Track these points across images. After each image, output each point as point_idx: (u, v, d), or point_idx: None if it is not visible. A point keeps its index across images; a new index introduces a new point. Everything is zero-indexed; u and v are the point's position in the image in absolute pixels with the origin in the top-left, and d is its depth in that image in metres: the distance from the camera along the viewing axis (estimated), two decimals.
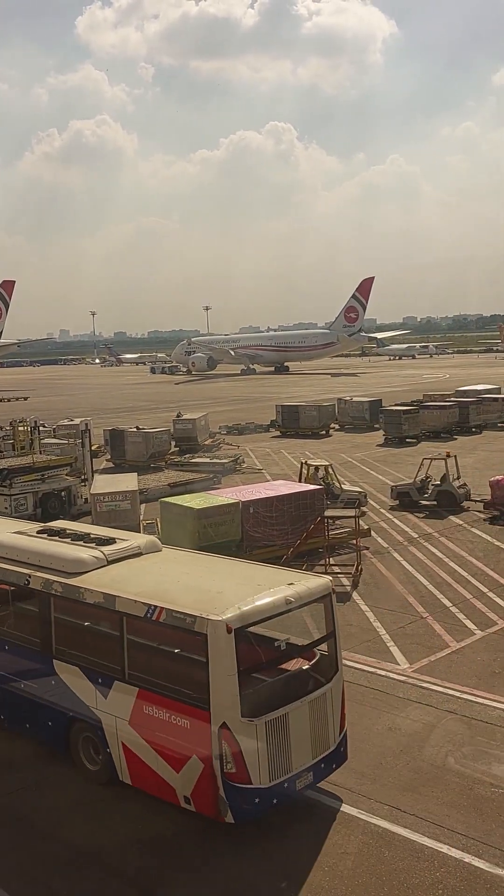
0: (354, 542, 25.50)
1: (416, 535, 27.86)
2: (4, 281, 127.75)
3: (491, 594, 21.53)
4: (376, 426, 54.60)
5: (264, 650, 12.45)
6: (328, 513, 25.68)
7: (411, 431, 50.01)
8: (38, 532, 15.84)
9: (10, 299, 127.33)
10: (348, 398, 61.82)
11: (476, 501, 31.20)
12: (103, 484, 30.78)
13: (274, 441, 54.00)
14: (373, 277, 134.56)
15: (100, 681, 12.87)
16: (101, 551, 14.08)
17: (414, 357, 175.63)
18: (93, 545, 14.40)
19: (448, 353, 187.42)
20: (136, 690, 12.29)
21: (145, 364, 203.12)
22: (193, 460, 43.52)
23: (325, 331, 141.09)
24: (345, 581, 23.06)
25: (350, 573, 23.48)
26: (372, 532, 27.64)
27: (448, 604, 20.91)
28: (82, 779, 13.23)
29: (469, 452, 43.92)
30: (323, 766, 12.25)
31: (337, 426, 58.72)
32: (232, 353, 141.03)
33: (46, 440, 40.26)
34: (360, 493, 31.93)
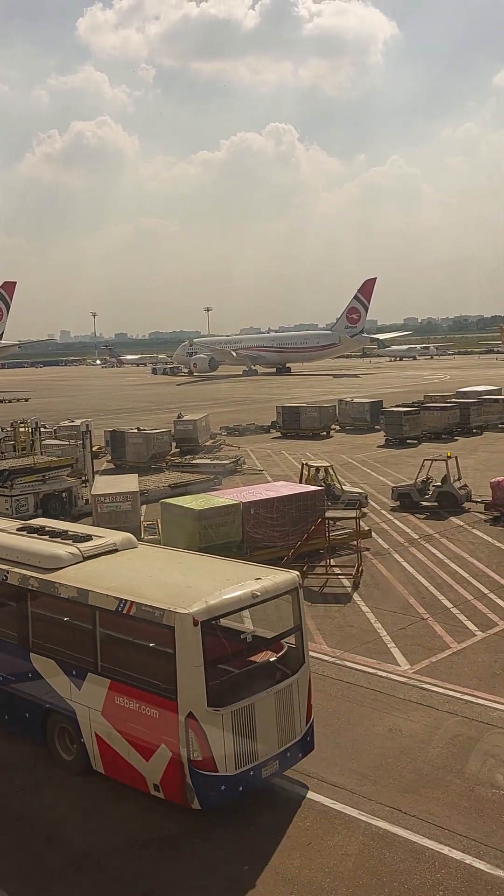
0: (355, 543, 25.48)
1: (416, 537, 27.84)
2: (5, 282, 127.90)
3: (492, 595, 21.51)
4: (377, 427, 54.60)
5: (231, 642, 12.80)
6: (329, 514, 25.66)
7: (412, 432, 50.01)
8: (18, 530, 16.21)
9: (10, 300, 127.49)
10: (349, 399, 61.82)
11: (477, 502, 31.19)
12: (104, 485, 30.76)
13: (275, 442, 54.00)
14: (375, 278, 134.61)
15: (74, 673, 13.23)
16: (78, 548, 14.43)
17: (415, 358, 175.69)
18: (69, 542, 14.75)
19: (449, 355, 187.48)
20: (107, 682, 12.65)
21: (146, 365, 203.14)
22: (194, 461, 43.53)
23: (326, 332, 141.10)
24: (345, 582, 23.05)
25: (351, 574, 23.46)
26: (373, 533, 27.62)
27: (449, 605, 20.89)
28: (69, 774, 13.23)
29: (470, 453, 43.89)
30: (289, 754, 12.59)
31: (337, 427, 58.74)
32: (233, 354, 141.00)
33: (47, 441, 40.26)
34: (360, 494, 31.93)
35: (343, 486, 31.94)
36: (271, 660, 12.85)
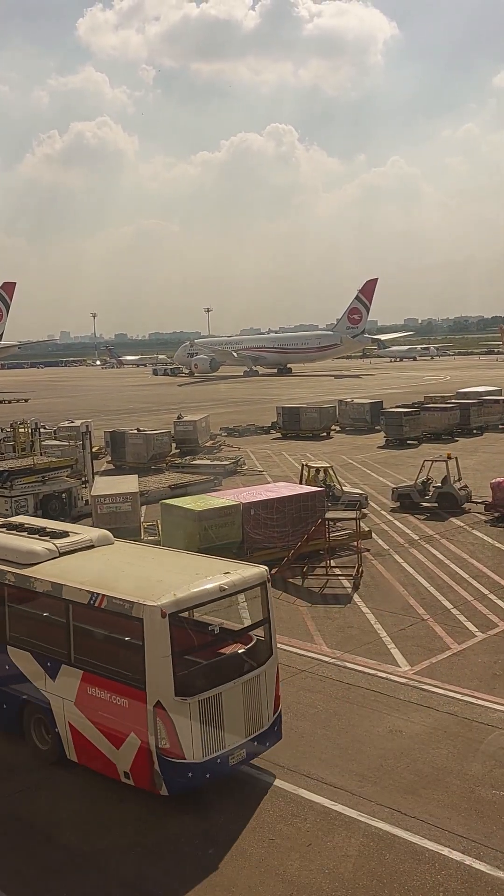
0: (355, 544, 25.49)
1: (416, 537, 27.83)
2: (5, 283, 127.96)
3: (492, 596, 21.50)
4: (377, 428, 54.63)
5: (199, 634, 13.37)
6: (329, 515, 25.66)
7: (412, 433, 50.01)
8: None
9: (10, 301, 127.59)
10: (349, 400, 61.84)
11: (477, 503, 31.19)
12: (104, 486, 30.75)
13: (275, 443, 54.00)
14: (376, 279, 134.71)
15: (48, 665, 13.62)
16: (54, 544, 14.86)
17: (415, 359, 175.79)
18: (47, 538, 15.16)
19: (449, 355, 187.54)
20: (80, 673, 13.04)
21: (146, 366, 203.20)
22: (194, 462, 43.50)
23: (328, 332, 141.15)
24: (346, 583, 23.04)
25: (351, 575, 23.46)
26: (373, 534, 27.62)
27: (449, 606, 20.88)
28: (72, 775, 13.25)
29: (470, 454, 43.90)
30: (256, 743, 12.94)
31: (338, 428, 58.75)
32: (235, 354, 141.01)
33: (47, 442, 40.21)
34: (360, 494, 31.94)
35: (343, 487, 31.96)
36: (239, 651, 13.21)
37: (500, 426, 55.29)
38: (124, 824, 12.11)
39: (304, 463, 32.43)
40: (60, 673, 13.35)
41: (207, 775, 12.26)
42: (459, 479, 32.24)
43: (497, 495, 29.69)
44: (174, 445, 47.75)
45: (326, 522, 25.09)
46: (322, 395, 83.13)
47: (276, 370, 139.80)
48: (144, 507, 31.08)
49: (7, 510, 30.10)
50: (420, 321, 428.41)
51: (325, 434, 56.34)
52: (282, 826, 11.86)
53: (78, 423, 44.54)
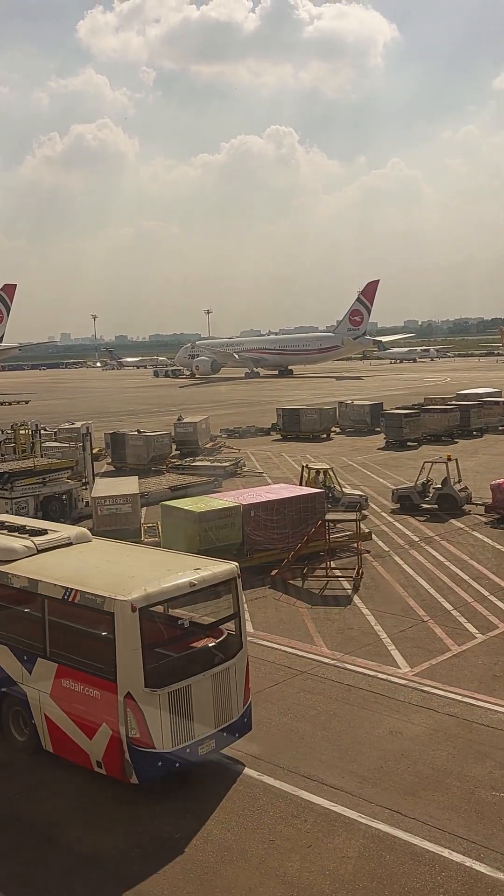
0: (355, 545, 25.49)
1: (417, 539, 27.83)
2: (5, 284, 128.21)
3: (492, 598, 21.50)
4: (377, 429, 54.65)
5: (169, 628, 14.04)
6: (329, 516, 25.67)
7: (412, 435, 50.02)
8: None
9: (11, 303, 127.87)
10: (349, 402, 61.90)
11: (477, 505, 31.19)
12: (104, 487, 30.77)
13: (275, 444, 54.01)
14: (377, 280, 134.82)
15: (25, 658, 14.01)
16: (33, 541, 15.29)
17: (415, 360, 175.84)
18: (26, 536, 15.61)
19: (449, 357, 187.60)
20: (55, 666, 13.44)
21: (146, 367, 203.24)
22: (194, 464, 43.51)
23: (329, 334, 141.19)
24: (346, 584, 23.05)
25: (351, 577, 23.46)
26: (373, 535, 27.63)
27: (449, 607, 20.88)
28: (71, 775, 13.26)
29: (470, 456, 43.92)
30: (226, 734, 13.32)
31: (338, 429, 58.76)
32: (236, 356, 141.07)
33: (47, 443, 40.26)
34: (361, 496, 31.94)
35: (343, 489, 31.97)
36: (210, 645, 13.63)
37: (501, 428, 55.29)
38: (124, 825, 12.10)
39: (305, 464, 32.45)
40: (37, 666, 13.77)
41: (177, 764, 12.60)
42: (459, 481, 32.24)
43: (497, 497, 29.68)
44: (174, 447, 47.80)
45: (326, 524, 25.09)
46: (322, 396, 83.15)
47: (277, 372, 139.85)
48: (145, 508, 31.09)
49: (7, 511, 30.10)
50: (420, 323, 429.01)
51: (325, 436, 56.35)
52: (282, 827, 11.86)
53: (78, 424, 44.59)
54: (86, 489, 34.13)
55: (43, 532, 15.84)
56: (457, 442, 50.59)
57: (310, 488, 28.45)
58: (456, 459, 32.72)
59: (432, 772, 13.20)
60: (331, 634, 19.30)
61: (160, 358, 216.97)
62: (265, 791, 12.79)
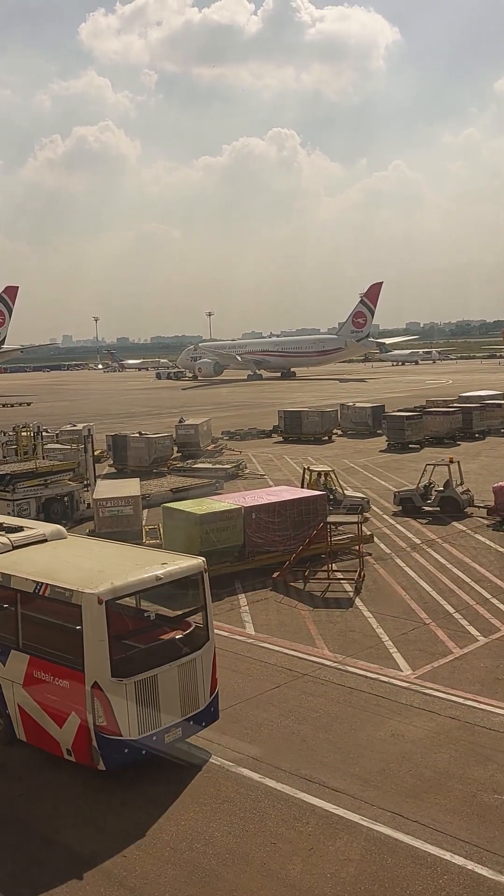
0: (357, 548, 25.46)
1: (419, 541, 27.81)
2: (7, 287, 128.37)
3: (494, 600, 21.48)
4: (379, 432, 54.61)
5: (136, 620, 14.51)
6: (331, 518, 25.65)
7: (414, 437, 49.99)
8: None
9: (13, 305, 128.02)
10: (351, 404, 61.86)
11: (479, 507, 31.14)
12: (106, 489, 30.78)
13: (276, 446, 54.00)
14: (381, 283, 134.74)
15: (0, 651, 14.37)
16: (8, 538, 15.72)
17: (416, 363, 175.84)
18: (2, 533, 16.05)
19: (451, 359, 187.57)
20: (27, 658, 13.85)
21: (148, 370, 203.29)
22: (196, 466, 43.51)
23: (332, 336, 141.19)
24: (347, 587, 23.02)
25: (353, 579, 23.43)
26: (375, 538, 27.62)
27: (451, 610, 20.86)
28: (72, 779, 13.25)
29: (472, 458, 43.89)
30: (192, 723, 13.76)
31: (339, 432, 58.73)
32: (238, 358, 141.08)
33: (49, 445, 40.25)
34: (362, 498, 31.92)
35: (345, 491, 31.95)
36: (177, 637, 14.02)
37: (503, 430, 55.26)
38: (124, 828, 12.08)
39: (306, 467, 32.45)
40: (10, 658, 14.15)
41: (143, 752, 13.03)
42: (462, 483, 32.21)
43: (499, 499, 29.68)
44: (176, 449, 47.80)
45: (328, 526, 25.07)
46: (324, 398, 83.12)
47: (279, 374, 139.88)
48: (146, 510, 31.09)
49: (9, 513, 30.09)
50: (422, 325, 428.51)
51: (326, 438, 56.30)
52: (283, 830, 11.84)
53: (80, 426, 44.58)
54: (87, 491, 34.12)
55: (19, 529, 16.36)
56: (459, 444, 50.54)
57: (311, 490, 28.44)
58: (458, 462, 32.68)
59: (434, 775, 13.18)
60: (332, 637, 19.28)
61: (162, 360, 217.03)
62: (267, 794, 12.77)
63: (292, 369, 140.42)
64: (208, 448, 49.89)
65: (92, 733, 12.75)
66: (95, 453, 39.47)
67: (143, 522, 29.01)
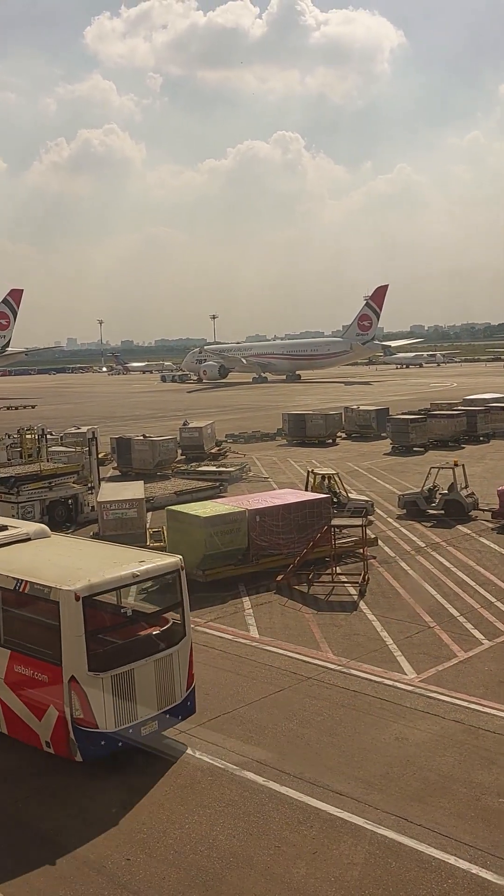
0: (361, 551, 25.43)
1: (423, 545, 27.78)
2: (12, 290, 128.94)
3: (499, 604, 21.43)
4: (383, 435, 54.58)
5: (113, 616, 14.87)
6: (335, 522, 25.63)
7: (418, 440, 49.90)
8: None
9: (17, 308, 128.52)
10: (355, 407, 61.80)
11: (484, 510, 31.08)
12: (110, 492, 30.79)
13: (280, 449, 53.97)
14: (387, 286, 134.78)
15: None
16: None
17: (421, 366, 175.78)
18: None
19: (456, 362, 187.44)
20: (8, 653, 14.20)
21: (152, 372, 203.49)
22: (200, 469, 43.53)
23: (337, 339, 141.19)
24: (352, 590, 23.00)
25: (357, 582, 23.40)
26: (379, 541, 27.59)
27: (455, 613, 20.82)
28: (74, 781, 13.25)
29: (477, 461, 43.84)
30: (168, 716, 14.11)
31: (343, 435, 58.69)
32: (244, 361, 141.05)
33: (53, 448, 40.33)
34: (366, 501, 31.88)
35: (349, 494, 31.92)
36: (154, 633, 14.37)
37: None
38: (129, 831, 12.07)
39: (310, 470, 32.45)
40: None
41: (119, 744, 13.38)
42: (466, 487, 32.17)
43: None
44: (180, 452, 47.83)
45: (332, 529, 25.05)
46: (328, 401, 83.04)
47: (284, 377, 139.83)
48: (150, 513, 31.10)
49: (13, 516, 30.13)
50: (426, 328, 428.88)
51: (330, 441, 56.25)
52: (287, 833, 11.82)
53: (84, 429, 44.71)
54: (91, 494, 34.16)
55: (3, 528, 16.74)
56: (463, 447, 50.49)
57: (315, 493, 28.43)
58: (462, 465, 32.66)
59: (438, 778, 13.15)
60: (337, 640, 19.26)
61: (166, 363, 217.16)
62: (271, 797, 12.76)
63: (297, 372, 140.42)
64: (212, 451, 49.90)
65: (69, 726, 13.12)
66: (100, 456, 39.55)
67: (148, 525, 29.02)
